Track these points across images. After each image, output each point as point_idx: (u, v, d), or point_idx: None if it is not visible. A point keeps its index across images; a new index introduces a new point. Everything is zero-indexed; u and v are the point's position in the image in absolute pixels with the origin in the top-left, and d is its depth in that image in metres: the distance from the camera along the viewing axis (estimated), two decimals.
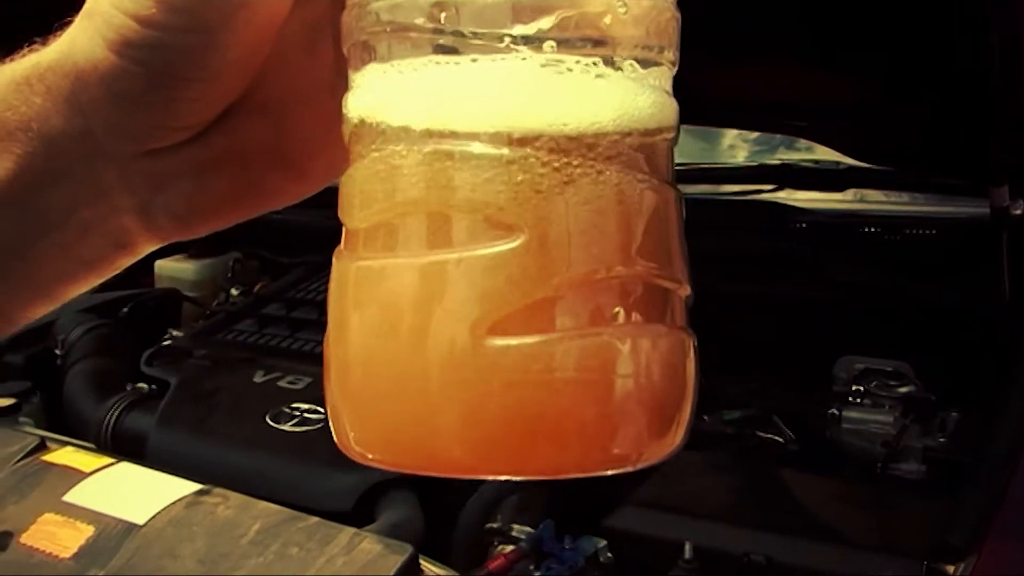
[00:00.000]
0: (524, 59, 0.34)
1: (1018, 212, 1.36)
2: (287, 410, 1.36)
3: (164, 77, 0.37)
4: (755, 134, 2.08)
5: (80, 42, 0.38)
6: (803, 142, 1.95)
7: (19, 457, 1.09)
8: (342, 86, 0.38)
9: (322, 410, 0.37)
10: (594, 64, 0.35)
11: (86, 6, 0.38)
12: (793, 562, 1.06)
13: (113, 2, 0.37)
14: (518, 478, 0.36)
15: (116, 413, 1.45)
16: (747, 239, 1.68)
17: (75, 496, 1.01)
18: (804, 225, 1.72)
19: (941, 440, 1.32)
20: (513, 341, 0.34)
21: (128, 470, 1.08)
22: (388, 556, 0.89)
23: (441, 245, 0.35)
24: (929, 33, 1.28)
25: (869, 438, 1.36)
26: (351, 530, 0.93)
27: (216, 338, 1.72)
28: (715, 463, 1.31)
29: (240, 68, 0.39)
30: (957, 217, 1.62)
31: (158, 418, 1.40)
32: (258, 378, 1.50)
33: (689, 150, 2.09)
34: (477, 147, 0.34)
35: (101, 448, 1.35)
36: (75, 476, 1.05)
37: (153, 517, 0.97)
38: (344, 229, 0.38)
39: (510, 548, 1.11)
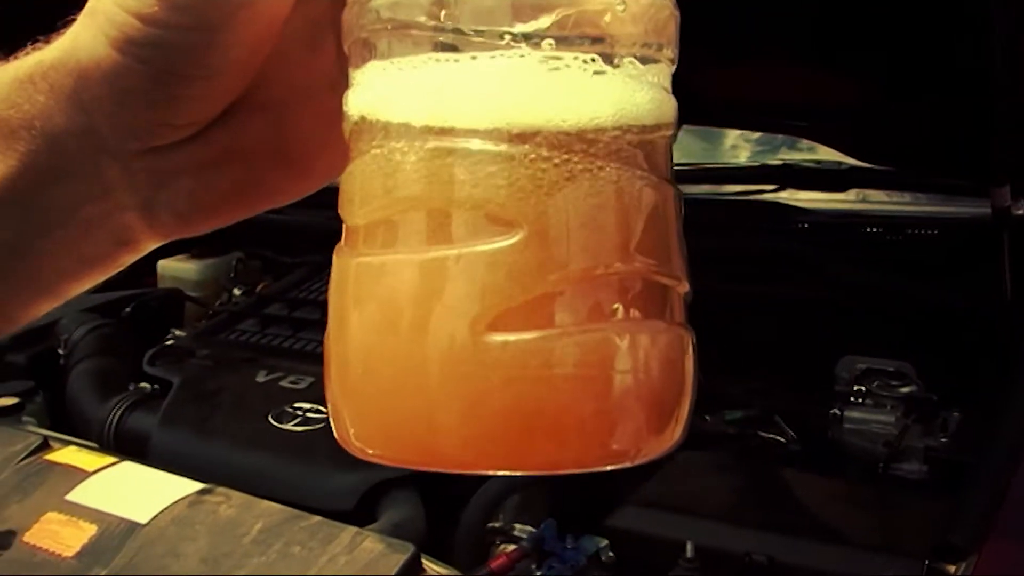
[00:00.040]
0: (523, 56, 0.34)
1: (1019, 212, 1.36)
2: (289, 410, 1.36)
3: (166, 75, 0.38)
4: (757, 134, 2.09)
5: (83, 40, 0.38)
6: (805, 142, 1.95)
7: (22, 456, 1.09)
8: (343, 84, 0.39)
9: (324, 410, 0.37)
10: (593, 61, 0.35)
11: (89, 4, 0.38)
12: (795, 562, 1.06)
13: (116, 0, 0.37)
14: (517, 473, 0.36)
15: (119, 412, 1.45)
16: (749, 239, 1.68)
17: (78, 495, 1.02)
18: (806, 225, 1.72)
19: (943, 440, 1.32)
20: (512, 337, 0.34)
21: (131, 469, 1.08)
22: (390, 555, 0.89)
23: (441, 241, 0.35)
24: (930, 33, 1.28)
25: (871, 438, 1.36)
26: (353, 529, 0.93)
27: (218, 338, 1.72)
28: (717, 463, 1.31)
29: (242, 66, 0.39)
30: (958, 217, 1.62)
31: (161, 418, 1.40)
32: (260, 378, 1.50)
33: (691, 150, 2.09)
34: (476, 143, 0.34)
35: (104, 447, 1.36)
36: (78, 475, 1.05)
37: (156, 516, 0.97)
38: (344, 226, 0.39)
39: (512, 547, 1.12)
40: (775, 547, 1.08)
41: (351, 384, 0.37)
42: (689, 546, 1.07)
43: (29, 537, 0.98)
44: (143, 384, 1.56)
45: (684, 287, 0.38)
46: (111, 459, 1.10)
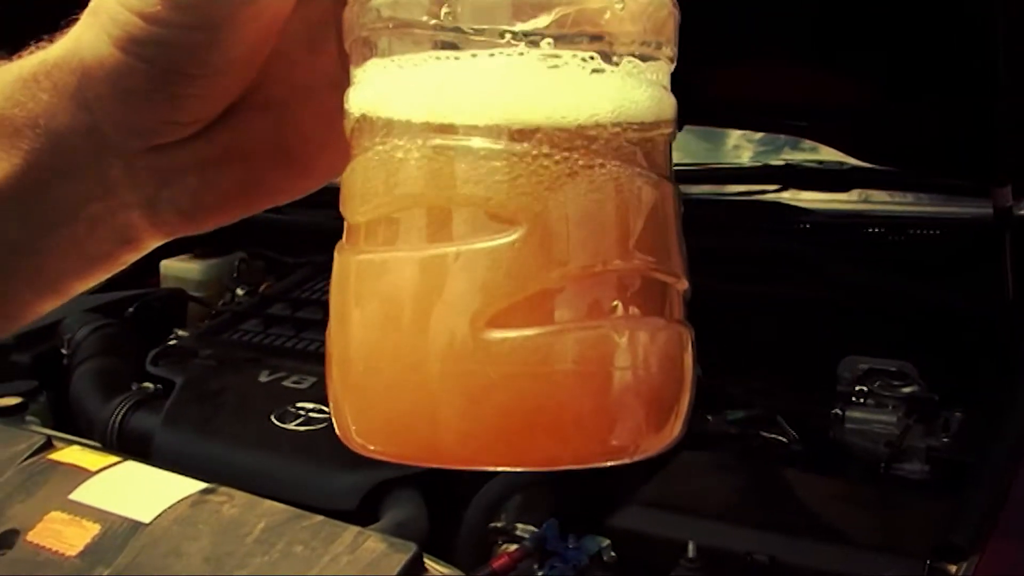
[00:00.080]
0: (523, 54, 0.34)
1: (1021, 212, 1.36)
2: (292, 409, 1.36)
3: (168, 73, 0.38)
4: (759, 134, 2.09)
5: (86, 39, 0.38)
6: (808, 143, 1.95)
7: (26, 456, 1.09)
8: (344, 83, 0.39)
9: (327, 410, 0.37)
10: (592, 59, 0.35)
11: (92, 3, 0.39)
12: (796, 562, 1.06)
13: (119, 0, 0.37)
14: (517, 469, 0.37)
15: (122, 412, 1.45)
16: (751, 239, 1.68)
17: (81, 494, 1.02)
18: (808, 225, 1.72)
19: (944, 440, 1.32)
20: (512, 333, 0.34)
21: (134, 469, 1.09)
22: (392, 555, 0.89)
23: (441, 238, 0.35)
24: (931, 33, 1.28)
25: (873, 438, 1.36)
26: (355, 529, 0.93)
27: (221, 338, 1.72)
28: (719, 463, 1.31)
29: (243, 65, 0.39)
30: (960, 217, 1.62)
31: (164, 417, 1.41)
32: (263, 378, 1.50)
33: (694, 150, 2.09)
34: (476, 141, 0.34)
35: (107, 447, 1.36)
36: (81, 475, 1.05)
37: (159, 516, 0.97)
38: (346, 223, 0.39)
39: (514, 547, 1.12)
40: (777, 547, 1.08)
41: (352, 381, 0.37)
42: (691, 546, 1.07)
43: (33, 536, 0.98)
44: (146, 384, 1.56)
45: (683, 284, 0.38)
46: (114, 459, 1.10)
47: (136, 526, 0.96)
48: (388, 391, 0.36)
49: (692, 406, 0.38)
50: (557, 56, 0.35)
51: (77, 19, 0.39)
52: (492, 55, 0.34)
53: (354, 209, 0.38)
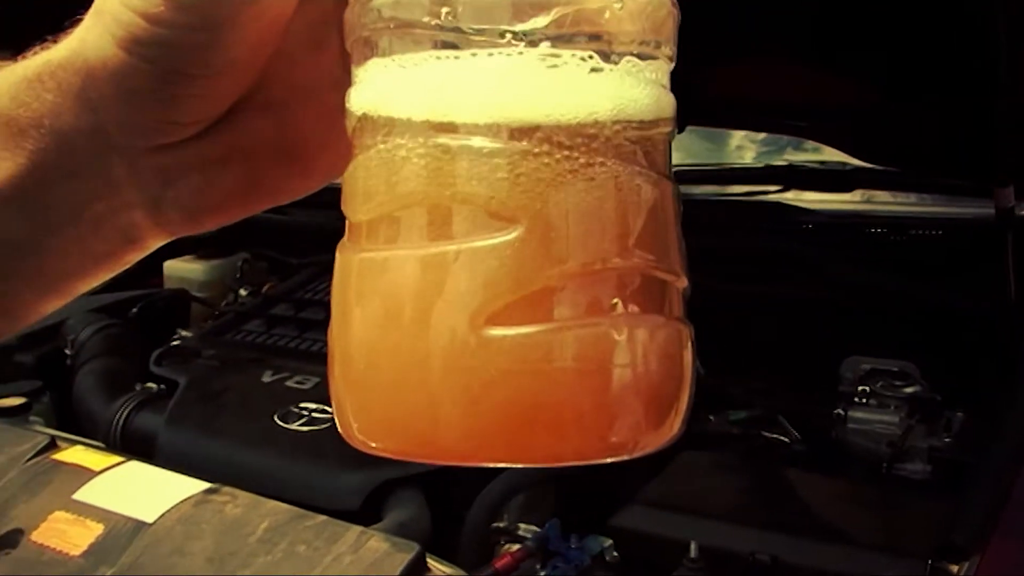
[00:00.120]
0: (522, 54, 0.35)
1: (1023, 213, 1.36)
2: (295, 410, 1.37)
3: (172, 74, 0.38)
4: (762, 135, 2.09)
5: (90, 39, 0.39)
6: (810, 143, 1.95)
7: (29, 456, 1.09)
8: (346, 83, 0.39)
9: (330, 410, 0.37)
10: (591, 58, 0.35)
11: (95, 4, 0.39)
12: (798, 562, 1.06)
13: (122, 0, 0.37)
14: (517, 465, 0.37)
15: (125, 412, 1.45)
16: (754, 239, 1.69)
17: (85, 494, 1.02)
18: (810, 226, 1.72)
19: (946, 440, 1.32)
20: (512, 331, 0.34)
21: (137, 469, 1.09)
22: (395, 554, 0.90)
23: (441, 236, 0.35)
24: (933, 33, 1.28)
25: (874, 438, 1.36)
26: (358, 529, 0.94)
27: (225, 338, 1.72)
28: (721, 463, 1.31)
29: (245, 65, 0.40)
30: (963, 218, 1.63)
31: (167, 417, 1.41)
32: (266, 378, 1.50)
33: (696, 151, 2.09)
34: (476, 140, 0.35)
35: (111, 447, 1.36)
36: (85, 475, 1.05)
37: (162, 515, 0.97)
38: (347, 222, 0.39)
39: (516, 547, 1.12)
40: (779, 547, 1.08)
41: (354, 378, 0.38)
42: (693, 546, 1.07)
43: (37, 536, 0.98)
44: (150, 384, 1.56)
45: (683, 282, 0.38)
46: (118, 459, 1.10)
47: (140, 526, 0.96)
48: (389, 388, 0.36)
49: (692, 404, 0.38)
50: (556, 55, 0.35)
51: (81, 20, 0.40)
52: (492, 55, 0.35)
53: (355, 208, 0.38)
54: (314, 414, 1.35)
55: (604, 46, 0.35)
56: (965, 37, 1.24)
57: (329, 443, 1.25)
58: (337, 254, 0.39)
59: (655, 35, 0.37)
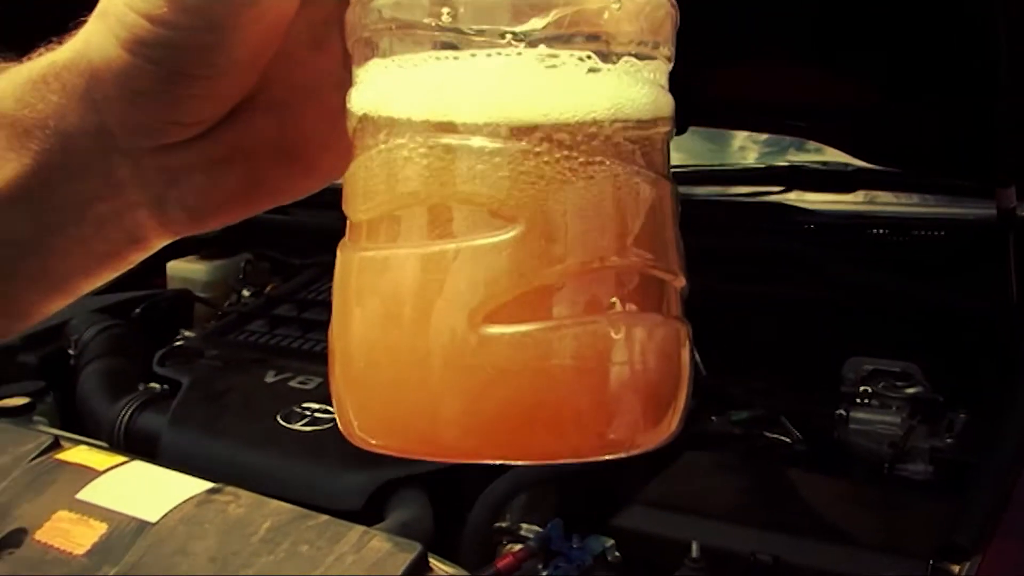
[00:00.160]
0: (521, 54, 0.35)
1: None
2: (298, 410, 1.37)
3: (175, 74, 0.38)
4: (764, 136, 2.09)
5: (94, 41, 0.39)
6: (813, 144, 1.95)
7: (33, 455, 1.10)
8: (348, 83, 0.39)
9: (332, 410, 0.37)
10: (589, 58, 0.36)
11: (99, 6, 0.39)
12: (800, 562, 1.07)
13: (126, 2, 0.38)
14: (515, 462, 0.37)
15: (129, 412, 1.46)
16: (756, 240, 1.69)
17: (88, 494, 1.02)
18: (812, 226, 1.72)
19: (948, 441, 1.32)
20: (510, 329, 0.35)
21: (141, 469, 1.09)
22: (397, 554, 0.90)
23: (440, 235, 0.35)
24: (935, 34, 1.28)
25: (876, 439, 1.36)
26: (361, 528, 0.94)
27: (228, 339, 1.73)
28: (723, 463, 1.31)
29: (248, 66, 0.40)
30: (965, 219, 1.63)
31: (170, 417, 1.41)
32: (269, 378, 1.51)
33: (699, 151, 2.09)
34: (475, 139, 0.35)
35: (114, 447, 1.36)
36: (88, 474, 1.06)
37: (165, 515, 0.97)
38: (348, 221, 0.39)
39: (518, 547, 1.12)
40: (780, 547, 1.08)
41: (354, 376, 0.38)
42: (695, 546, 1.07)
43: (40, 535, 0.98)
44: (153, 384, 1.56)
45: (680, 282, 0.38)
46: (121, 458, 1.10)
47: (143, 525, 0.97)
48: (389, 386, 0.36)
49: (690, 402, 0.39)
50: (555, 56, 0.35)
51: (85, 21, 0.40)
52: (491, 55, 0.35)
53: (356, 207, 0.38)
54: (317, 414, 1.35)
55: (602, 46, 0.36)
56: (966, 37, 1.24)
57: (332, 443, 1.25)
58: (338, 253, 0.39)
59: (653, 36, 0.37)
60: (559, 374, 0.35)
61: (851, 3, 1.31)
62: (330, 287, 0.40)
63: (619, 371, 0.36)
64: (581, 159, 0.35)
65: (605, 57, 0.36)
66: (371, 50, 0.38)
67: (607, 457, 0.36)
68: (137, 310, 1.81)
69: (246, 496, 1.00)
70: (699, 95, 1.42)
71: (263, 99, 0.42)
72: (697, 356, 1.30)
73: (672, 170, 0.39)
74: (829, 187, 1.81)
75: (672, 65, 0.39)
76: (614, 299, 0.36)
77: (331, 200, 0.42)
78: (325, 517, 0.96)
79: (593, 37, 0.36)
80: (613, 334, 0.36)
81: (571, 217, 0.35)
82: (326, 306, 1.73)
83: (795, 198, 1.84)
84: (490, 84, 0.35)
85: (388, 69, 0.37)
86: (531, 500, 1.19)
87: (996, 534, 0.98)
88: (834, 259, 1.58)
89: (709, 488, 1.24)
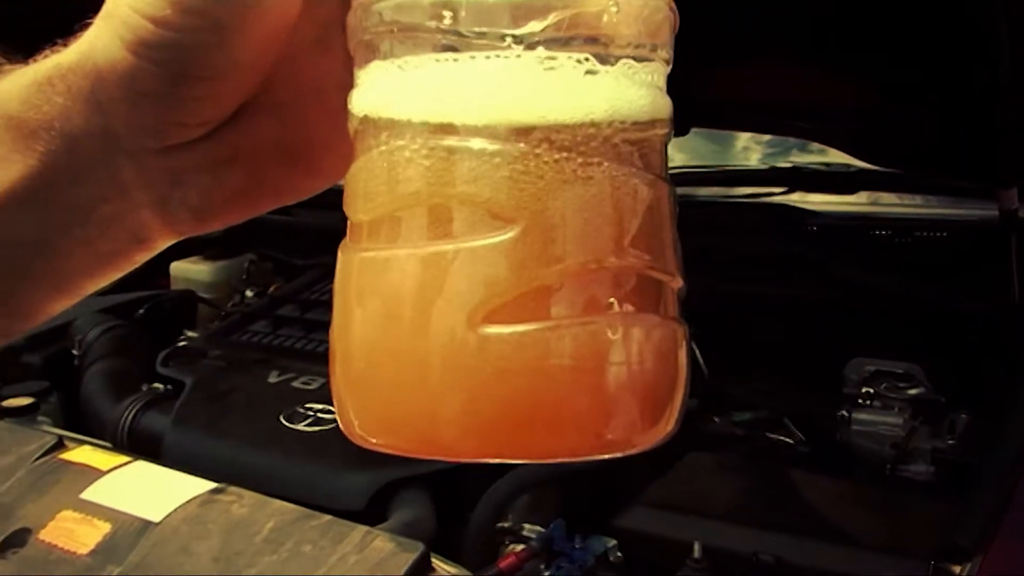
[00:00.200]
0: (520, 57, 0.35)
1: None
2: (301, 410, 1.37)
3: (179, 76, 0.39)
4: (767, 137, 2.09)
5: (99, 43, 0.39)
6: (816, 145, 1.95)
7: (37, 455, 1.10)
8: (351, 83, 0.40)
9: (335, 409, 0.38)
10: (587, 61, 0.36)
11: (104, 8, 0.39)
12: (802, 562, 1.07)
13: (130, 4, 0.38)
14: (513, 461, 0.37)
15: (132, 413, 1.46)
16: (759, 241, 1.69)
17: (92, 494, 1.03)
18: (815, 227, 1.73)
19: (950, 442, 1.32)
20: (508, 329, 0.35)
21: (144, 469, 1.09)
22: (400, 554, 0.90)
23: (439, 236, 0.36)
24: (937, 35, 1.29)
25: (878, 440, 1.36)
26: (363, 528, 0.94)
27: (231, 339, 1.73)
28: (725, 464, 1.31)
29: (251, 68, 0.40)
30: (967, 220, 1.63)
31: (174, 418, 1.42)
32: (272, 378, 1.51)
33: (702, 152, 2.10)
34: (474, 141, 0.35)
35: (118, 447, 1.37)
36: (92, 474, 1.06)
37: (169, 515, 0.98)
38: (349, 222, 0.40)
39: (521, 547, 1.12)
40: (782, 547, 1.08)
41: (354, 375, 0.38)
42: (697, 546, 1.07)
43: (44, 535, 0.99)
44: (156, 384, 1.57)
45: (678, 283, 0.39)
46: (125, 458, 1.11)
47: (146, 525, 0.97)
48: (389, 385, 0.37)
49: (687, 402, 0.39)
50: (553, 58, 0.35)
51: (90, 23, 0.40)
52: (490, 57, 0.35)
53: (357, 208, 0.39)
54: (320, 414, 1.35)
55: (600, 49, 0.36)
56: (967, 38, 1.24)
57: (335, 443, 1.25)
58: (339, 254, 0.40)
59: (651, 38, 0.37)
60: (557, 374, 0.35)
61: (853, 4, 1.31)
62: (333, 288, 0.40)
63: (616, 371, 0.36)
64: (579, 160, 0.35)
65: (603, 59, 0.36)
66: (372, 52, 0.38)
67: (605, 456, 0.36)
68: (141, 310, 1.81)
69: (249, 496, 1.01)
70: (703, 96, 1.42)
71: (266, 100, 0.43)
72: (699, 356, 1.31)
73: (675, 171, 0.40)
74: (832, 188, 1.81)
75: (670, 68, 0.39)
76: (612, 300, 0.36)
77: (334, 201, 0.42)
78: (328, 517, 0.96)
79: (591, 40, 0.36)
80: (611, 334, 0.36)
81: (569, 218, 0.35)
82: (329, 306, 1.72)
83: (798, 199, 1.84)
84: (489, 86, 0.35)
85: (389, 71, 0.37)
86: (533, 500, 1.19)
87: (998, 535, 0.98)
88: (836, 260, 1.58)
89: (711, 489, 1.24)
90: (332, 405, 0.40)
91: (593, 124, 0.36)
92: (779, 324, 1.58)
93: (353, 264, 0.39)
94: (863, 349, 1.45)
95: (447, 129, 0.36)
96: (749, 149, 2.16)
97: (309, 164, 0.44)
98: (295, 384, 1.48)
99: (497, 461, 0.36)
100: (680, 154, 2.01)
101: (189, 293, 1.95)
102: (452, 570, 0.93)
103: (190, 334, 1.79)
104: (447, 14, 0.35)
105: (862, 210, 1.82)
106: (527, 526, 1.15)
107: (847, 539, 1.11)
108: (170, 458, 1.30)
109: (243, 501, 1.00)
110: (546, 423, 0.35)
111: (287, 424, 1.35)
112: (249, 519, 0.96)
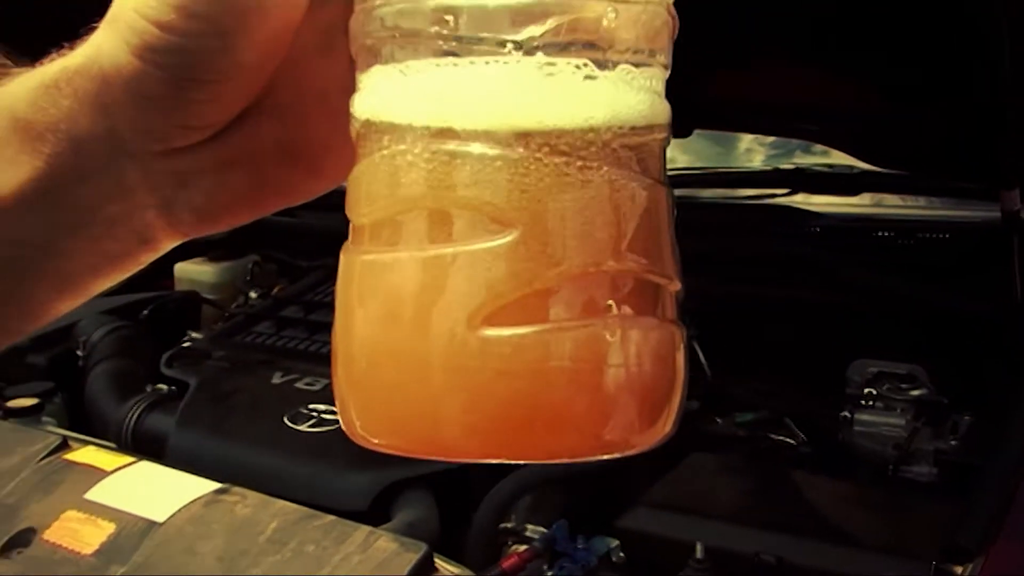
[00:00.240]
0: (519, 62, 0.36)
1: None
2: (304, 411, 1.38)
3: (184, 80, 0.39)
4: (770, 138, 2.09)
5: (105, 47, 0.40)
6: (819, 147, 1.95)
7: (42, 456, 1.10)
8: (354, 86, 0.40)
9: (337, 410, 0.38)
10: (586, 66, 0.36)
11: (110, 12, 0.40)
12: (804, 562, 1.07)
13: (135, 9, 0.38)
14: (513, 461, 0.38)
15: (137, 413, 1.47)
16: (762, 243, 1.69)
17: (97, 494, 1.03)
18: (818, 229, 1.73)
19: (952, 443, 1.33)
20: (508, 331, 0.35)
21: (148, 469, 1.10)
22: (403, 554, 0.90)
23: (440, 240, 0.36)
24: (939, 36, 1.29)
25: (881, 440, 1.37)
26: (367, 528, 0.94)
27: (235, 340, 1.73)
28: (727, 465, 1.32)
29: (255, 71, 0.41)
30: (969, 221, 1.63)
31: (178, 418, 1.42)
32: (276, 379, 1.51)
33: (705, 154, 2.10)
34: (474, 145, 0.35)
35: (122, 447, 1.37)
36: (97, 474, 1.06)
37: (173, 515, 0.98)
38: (351, 225, 0.40)
39: (524, 547, 1.12)
40: (784, 548, 1.08)
41: (356, 376, 0.39)
42: (699, 547, 1.07)
43: (49, 535, 0.99)
44: (160, 385, 1.57)
45: (676, 286, 0.39)
46: (129, 459, 1.11)
47: (150, 525, 0.97)
48: (390, 386, 0.37)
49: (684, 403, 0.39)
50: (552, 64, 0.36)
51: (97, 27, 0.41)
52: (489, 63, 0.36)
53: (358, 211, 0.39)
54: (323, 415, 1.36)
55: (599, 54, 0.36)
56: (969, 39, 1.24)
57: (338, 444, 1.25)
58: (341, 256, 0.40)
59: (649, 44, 0.38)
60: (556, 375, 0.36)
61: (854, 5, 1.31)
62: None
63: (615, 373, 0.36)
64: (578, 165, 0.36)
65: (602, 65, 0.36)
66: (374, 56, 0.38)
67: (604, 456, 0.37)
68: (145, 312, 1.82)
69: (253, 496, 1.01)
70: (706, 98, 1.42)
71: (270, 103, 0.43)
72: (702, 357, 1.31)
73: (678, 173, 0.40)
74: (835, 190, 1.82)
75: (669, 73, 0.39)
76: (610, 303, 0.36)
77: (338, 202, 0.42)
78: (331, 517, 0.96)
79: (590, 45, 0.36)
80: (609, 337, 0.36)
81: (568, 222, 0.35)
82: (333, 308, 1.74)
83: (801, 201, 1.84)
84: (488, 91, 0.36)
85: (390, 75, 0.38)
86: (536, 501, 1.19)
87: (1000, 536, 0.98)
88: (839, 261, 1.59)
89: (713, 489, 1.24)
90: (335, 406, 0.40)
91: (592, 129, 0.36)
92: (782, 325, 1.58)
93: (355, 266, 0.39)
94: (866, 350, 1.45)
95: (447, 133, 0.36)
96: (752, 151, 2.16)
97: (312, 166, 0.45)
98: (299, 385, 1.48)
99: (498, 461, 0.37)
100: (683, 156, 2.01)
101: (193, 294, 1.95)
102: (455, 570, 0.93)
103: (194, 335, 1.80)
104: (448, 19, 0.36)
105: (865, 211, 1.82)
106: (530, 526, 1.15)
107: (849, 540, 1.12)
108: (174, 458, 1.30)
109: (247, 501, 1.00)
110: (546, 424, 0.36)
111: (291, 425, 1.35)
112: (253, 519, 0.97)
